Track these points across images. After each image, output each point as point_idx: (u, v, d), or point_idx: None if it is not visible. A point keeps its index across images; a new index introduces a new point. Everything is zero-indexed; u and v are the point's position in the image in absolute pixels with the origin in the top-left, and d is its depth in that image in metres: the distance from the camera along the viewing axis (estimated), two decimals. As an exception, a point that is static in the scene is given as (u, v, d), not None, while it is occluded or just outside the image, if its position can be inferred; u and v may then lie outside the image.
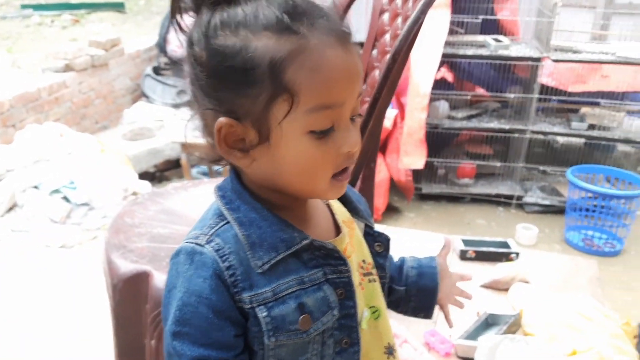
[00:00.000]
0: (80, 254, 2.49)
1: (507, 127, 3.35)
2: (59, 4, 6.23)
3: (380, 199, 3.17)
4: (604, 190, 2.93)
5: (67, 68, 3.78)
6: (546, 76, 3.34)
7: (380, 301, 0.78)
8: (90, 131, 3.82)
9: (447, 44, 3.17)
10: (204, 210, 0.73)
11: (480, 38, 3.33)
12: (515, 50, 3.26)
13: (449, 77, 3.57)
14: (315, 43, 0.62)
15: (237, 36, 0.62)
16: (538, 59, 3.19)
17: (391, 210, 3.33)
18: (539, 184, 3.53)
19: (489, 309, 1.86)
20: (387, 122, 3.17)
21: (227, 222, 0.68)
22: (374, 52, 1.29)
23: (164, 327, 0.67)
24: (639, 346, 1.75)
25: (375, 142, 1.28)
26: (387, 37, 1.25)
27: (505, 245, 2.37)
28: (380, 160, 3.21)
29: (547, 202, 3.37)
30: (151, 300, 1.11)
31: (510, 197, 3.42)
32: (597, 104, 3.38)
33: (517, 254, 2.31)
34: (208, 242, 0.66)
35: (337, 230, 0.75)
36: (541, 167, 3.46)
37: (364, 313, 0.75)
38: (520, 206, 3.42)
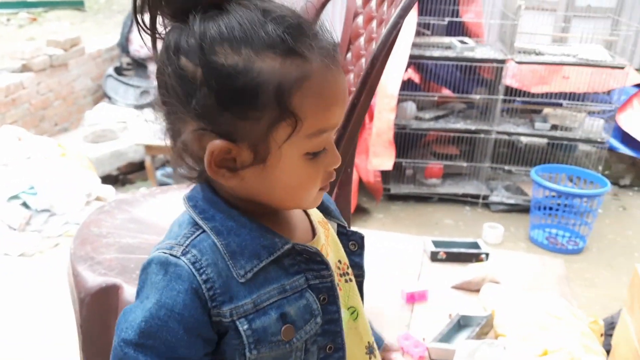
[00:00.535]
0: (41, 263, 2.40)
1: (473, 127, 3.40)
2: (15, 2, 6.02)
3: (350, 201, 3.16)
4: (566, 190, 3.00)
5: (25, 68, 3.65)
6: (510, 77, 3.40)
7: (358, 301, 0.77)
8: (49, 134, 3.70)
9: (414, 45, 3.19)
10: (173, 221, 0.69)
11: (447, 40, 3.37)
12: (480, 52, 3.31)
13: (416, 78, 3.60)
14: (318, 67, 0.61)
15: (239, 55, 0.59)
16: (502, 61, 3.24)
17: (360, 212, 3.33)
18: (504, 184, 3.59)
19: (461, 311, 1.87)
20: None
21: (204, 232, 0.65)
22: (348, 55, 1.27)
23: (117, 333, 0.64)
24: (606, 344, 1.79)
25: (353, 148, 1.27)
26: (362, 40, 1.23)
27: (475, 245, 2.40)
28: (349, 161, 3.20)
29: (512, 201, 3.44)
30: (121, 314, 1.07)
31: (477, 196, 3.47)
32: (559, 105, 3.46)
33: (487, 254, 2.34)
34: (184, 254, 0.63)
35: (314, 232, 0.74)
36: (506, 167, 3.51)
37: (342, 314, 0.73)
38: (487, 205, 3.48)
